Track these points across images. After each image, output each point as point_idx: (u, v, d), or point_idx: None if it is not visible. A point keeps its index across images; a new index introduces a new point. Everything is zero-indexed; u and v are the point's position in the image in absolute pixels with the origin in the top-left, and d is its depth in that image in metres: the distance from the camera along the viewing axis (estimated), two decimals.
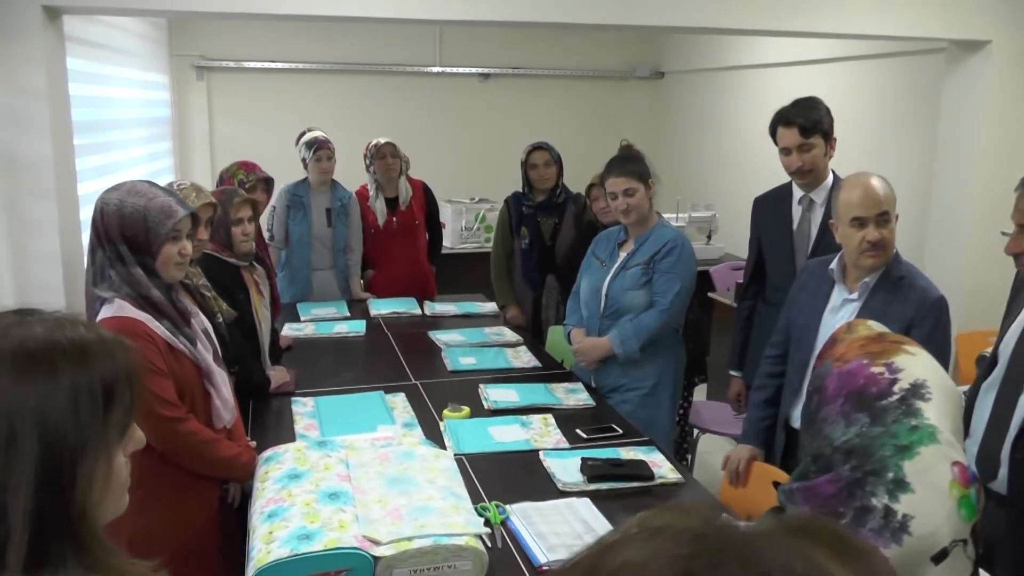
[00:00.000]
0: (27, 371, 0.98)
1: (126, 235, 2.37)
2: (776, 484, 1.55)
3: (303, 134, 4.95)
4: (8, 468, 0.95)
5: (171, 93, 6.77)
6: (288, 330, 4.27)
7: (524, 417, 3.13)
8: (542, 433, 3.00)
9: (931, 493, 1.25)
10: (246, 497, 2.56)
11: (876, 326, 1.43)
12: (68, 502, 0.98)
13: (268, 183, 4.16)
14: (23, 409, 0.97)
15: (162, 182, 2.96)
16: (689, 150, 7.35)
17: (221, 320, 3.00)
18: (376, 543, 2.06)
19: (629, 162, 3.46)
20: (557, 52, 7.51)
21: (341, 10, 3.74)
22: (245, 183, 3.99)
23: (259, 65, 7.08)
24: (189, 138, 7.05)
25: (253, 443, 2.83)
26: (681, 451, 4.36)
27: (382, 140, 4.99)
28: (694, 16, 4.02)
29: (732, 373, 3.70)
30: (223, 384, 2.59)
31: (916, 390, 1.28)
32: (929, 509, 1.24)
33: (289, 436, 2.98)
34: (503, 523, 2.35)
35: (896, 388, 1.28)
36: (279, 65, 7.10)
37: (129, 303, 2.36)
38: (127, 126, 5.34)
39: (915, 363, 1.31)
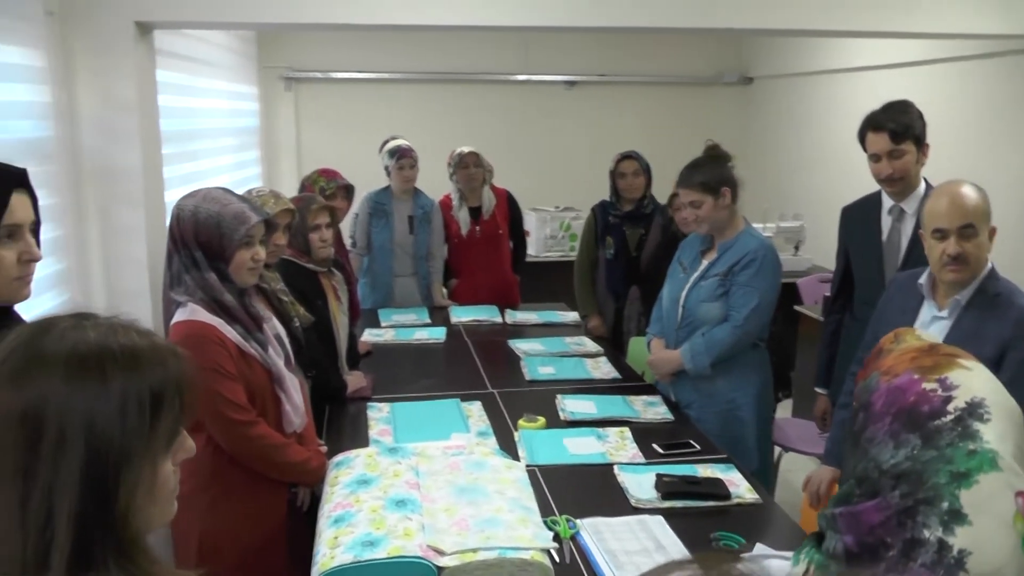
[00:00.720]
0: (78, 375, 0.98)
1: (200, 241, 2.41)
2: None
3: (386, 142, 4.99)
4: (56, 470, 0.95)
5: (259, 104, 6.92)
6: (368, 336, 4.30)
7: (600, 429, 3.07)
8: (618, 447, 2.94)
9: (992, 526, 1.13)
10: (316, 501, 2.57)
11: (926, 336, 1.32)
12: (112, 508, 0.98)
13: (349, 190, 4.20)
14: (73, 412, 0.97)
15: (247, 190, 3.02)
16: (778, 157, 7.19)
17: (298, 325, 3.03)
18: (440, 553, 2.04)
19: (697, 172, 3.35)
20: (643, 58, 7.44)
21: (427, 19, 3.76)
22: (326, 190, 4.04)
23: (346, 75, 7.21)
24: (276, 147, 7.21)
25: (324, 447, 2.84)
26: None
27: (465, 149, 5.00)
28: (783, 18, 3.93)
29: (818, 390, 3.58)
30: (294, 389, 2.60)
31: (973, 409, 1.16)
32: (990, 545, 1.12)
33: (363, 441, 2.99)
34: (573, 538, 2.30)
35: (951, 407, 1.16)
36: (365, 75, 7.21)
37: (203, 307, 2.40)
38: (216, 135, 5.47)
39: (972, 379, 1.19)
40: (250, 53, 6.66)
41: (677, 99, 7.66)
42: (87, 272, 3.48)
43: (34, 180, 3.05)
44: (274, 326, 2.65)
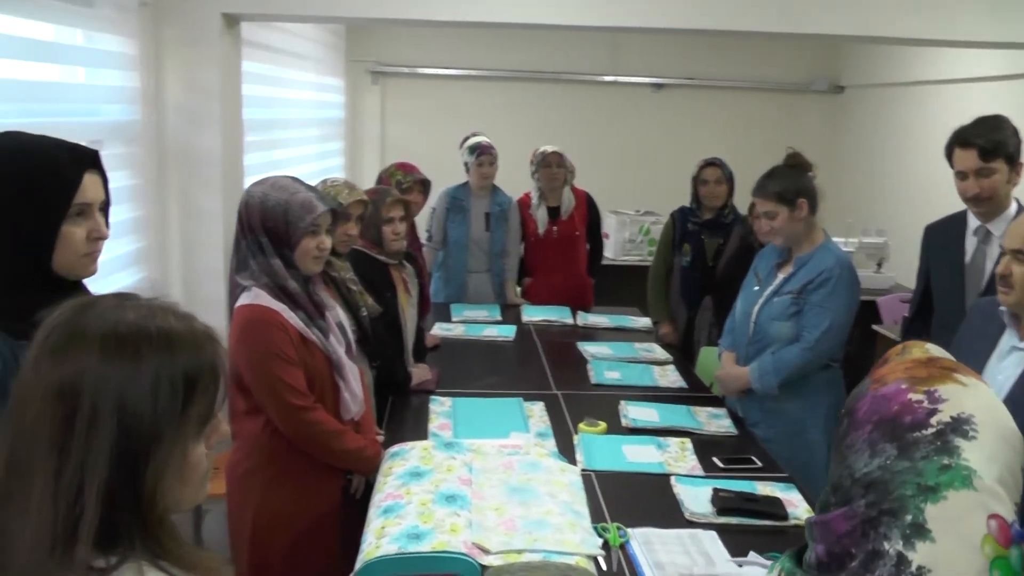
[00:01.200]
0: (114, 354, 1.01)
1: (267, 227, 2.46)
2: None
3: (467, 138, 5.02)
4: (88, 445, 0.98)
5: (345, 96, 7.04)
6: (438, 329, 4.34)
7: (661, 439, 3.04)
8: (677, 457, 2.90)
9: (957, 546, 1.07)
10: (370, 489, 2.60)
11: (935, 350, 1.26)
12: (139, 487, 1.00)
13: (425, 185, 4.23)
14: (106, 390, 0.99)
15: (321, 180, 3.08)
16: (865, 170, 6.99)
17: (365, 314, 3.07)
18: (485, 551, 2.05)
19: (773, 181, 3.26)
20: (732, 63, 7.33)
21: (516, 17, 3.79)
22: (403, 184, 4.07)
23: (432, 71, 7.27)
24: (360, 140, 7.32)
25: (381, 436, 2.87)
26: None
27: (549, 148, 5.00)
28: (878, 25, 3.83)
29: None
30: (353, 377, 2.64)
31: (958, 425, 1.10)
32: (951, 565, 1.07)
33: (422, 434, 3.02)
34: (622, 547, 2.28)
35: (934, 420, 1.11)
36: (452, 71, 7.26)
37: (266, 292, 2.45)
38: (300, 126, 5.58)
39: (964, 395, 1.14)
40: (338, 46, 6.77)
41: (765, 106, 7.52)
42: (165, 252, 3.60)
43: (118, 161, 3.22)
44: (337, 314, 2.69)
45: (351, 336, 2.74)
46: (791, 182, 3.24)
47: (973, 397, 1.14)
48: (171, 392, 1.02)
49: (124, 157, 3.31)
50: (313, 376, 2.52)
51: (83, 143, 1.70)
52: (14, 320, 1.50)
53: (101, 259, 1.71)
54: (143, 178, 3.43)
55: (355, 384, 2.65)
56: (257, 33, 4.43)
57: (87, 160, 1.65)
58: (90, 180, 1.64)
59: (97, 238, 1.66)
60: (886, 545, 1.10)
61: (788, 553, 1.27)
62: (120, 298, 1.09)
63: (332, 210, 2.54)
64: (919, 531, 1.09)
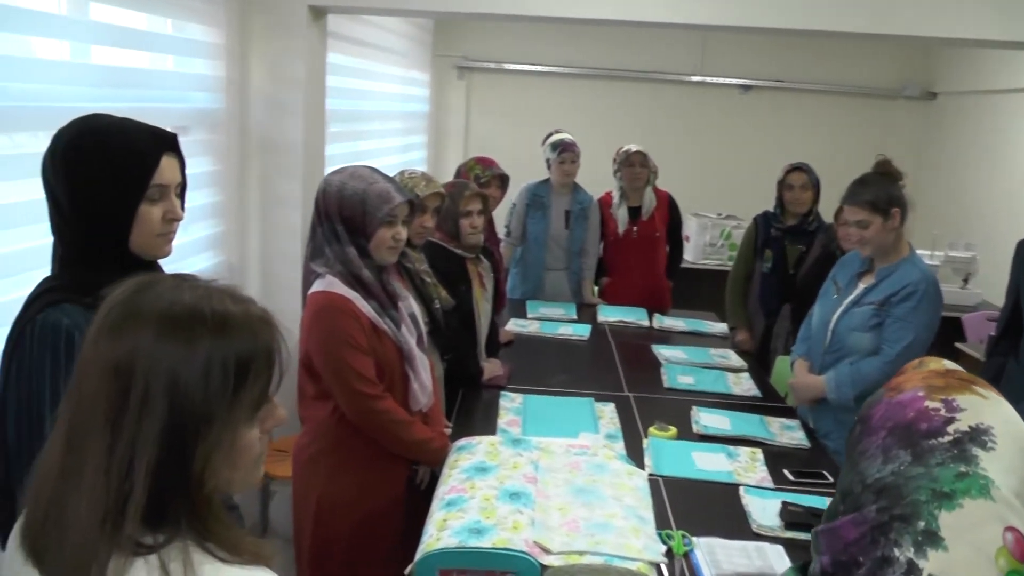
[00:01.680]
0: (168, 334, 1.02)
1: (344, 215, 2.48)
2: None
3: (550, 135, 5.01)
4: (139, 423, 0.99)
5: (431, 90, 7.08)
6: (513, 325, 4.34)
7: (732, 447, 2.99)
8: (747, 467, 2.85)
9: (971, 556, 1.02)
10: (435, 481, 2.61)
11: (951, 364, 1.20)
12: (188, 468, 1.01)
13: (504, 180, 4.24)
14: (158, 369, 1.00)
15: (399, 171, 3.10)
16: (955, 181, 6.75)
17: (439, 307, 3.08)
18: (546, 551, 2.03)
19: (866, 189, 3.15)
20: (822, 65, 7.16)
21: (603, 14, 3.77)
22: (481, 178, 4.09)
23: (518, 67, 7.26)
24: (445, 134, 7.36)
25: (449, 429, 2.88)
26: None
27: (633, 148, 4.96)
28: (974, 27, 3.70)
29: None
30: (423, 368, 2.65)
31: (976, 435, 1.06)
32: (965, 575, 1.03)
33: (491, 429, 3.03)
34: (686, 555, 2.25)
35: (951, 428, 1.07)
36: (538, 68, 7.24)
37: (340, 280, 2.48)
38: (384, 118, 5.64)
39: (984, 407, 1.09)
40: (425, 41, 6.82)
41: (854, 111, 7.31)
42: (244, 237, 3.67)
43: (202, 147, 3.29)
44: (410, 305, 2.70)
45: (423, 327, 2.75)
46: (884, 191, 3.14)
47: (992, 409, 1.10)
48: (223, 375, 1.03)
49: (207, 143, 3.38)
50: (383, 365, 2.53)
51: (167, 128, 1.74)
52: (92, 295, 1.55)
53: (181, 241, 1.77)
54: (225, 164, 3.50)
55: (425, 375, 2.66)
56: (344, 26, 4.49)
57: (166, 143, 1.69)
58: (168, 163, 1.68)
59: (172, 219, 1.70)
60: (896, 552, 1.06)
61: (791, 568, 1.24)
62: (179, 279, 1.10)
63: (409, 202, 2.55)
64: (932, 538, 1.04)
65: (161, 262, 1.78)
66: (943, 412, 1.10)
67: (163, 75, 3.14)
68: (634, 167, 4.92)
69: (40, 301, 1.59)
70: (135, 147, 1.63)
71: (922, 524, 1.05)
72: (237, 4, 3.44)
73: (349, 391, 2.47)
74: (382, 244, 2.51)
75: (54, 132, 1.65)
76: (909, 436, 1.10)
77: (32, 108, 2.38)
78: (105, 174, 1.60)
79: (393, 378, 2.58)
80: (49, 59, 2.55)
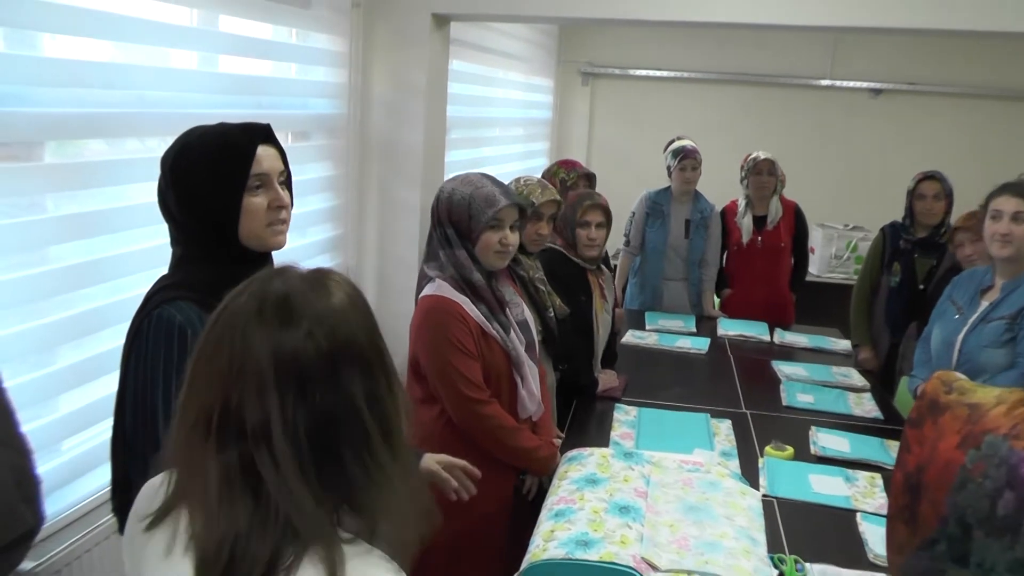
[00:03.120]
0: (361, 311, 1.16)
1: (453, 219, 2.54)
2: None
3: (672, 142, 4.97)
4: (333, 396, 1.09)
5: (554, 96, 7.12)
6: (631, 337, 4.32)
7: (850, 471, 2.90)
8: (866, 493, 2.76)
9: None
10: (543, 491, 2.62)
11: (977, 383, 1.10)
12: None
13: (590, 178, 4.24)
14: (345, 350, 1.11)
15: (515, 178, 3.14)
16: None
17: (552, 315, 3.09)
18: (653, 567, 2.02)
19: None
20: (960, 67, 6.80)
21: (728, 17, 3.72)
22: (567, 181, 4.08)
23: (643, 73, 7.20)
24: (568, 140, 7.37)
25: (559, 440, 2.88)
26: None
27: (761, 155, 4.88)
28: None
29: None
30: (532, 376, 2.67)
31: None
32: None
33: (604, 440, 3.03)
34: None
35: None
36: (662, 73, 7.18)
37: (450, 284, 2.54)
38: (506, 125, 5.69)
39: None
40: (549, 46, 6.87)
41: (995, 116, 6.90)
42: (362, 240, 3.77)
43: (323, 152, 3.40)
44: (522, 312, 2.72)
45: (535, 335, 2.76)
46: None
47: None
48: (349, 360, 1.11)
49: (328, 148, 3.49)
50: (491, 370, 2.56)
51: (288, 132, 1.82)
52: (206, 294, 1.62)
53: (299, 243, 1.83)
54: (345, 169, 3.61)
55: (534, 383, 2.68)
56: (467, 32, 4.55)
57: (259, 134, 1.75)
58: (264, 152, 1.74)
59: (279, 207, 1.76)
60: None
61: None
62: (317, 273, 1.17)
63: (520, 207, 2.57)
64: None
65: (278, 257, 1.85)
66: None
67: (286, 82, 3.25)
68: (761, 175, 4.84)
69: (157, 297, 1.67)
70: (230, 141, 1.71)
71: None
72: (362, 14, 3.53)
73: (456, 395, 2.51)
74: (488, 248, 2.54)
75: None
76: None
77: (161, 114, 2.50)
78: (206, 172, 1.69)
79: (501, 384, 2.61)
80: (180, 68, 2.68)
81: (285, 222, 1.79)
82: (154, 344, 1.62)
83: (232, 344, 1.08)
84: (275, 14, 3.06)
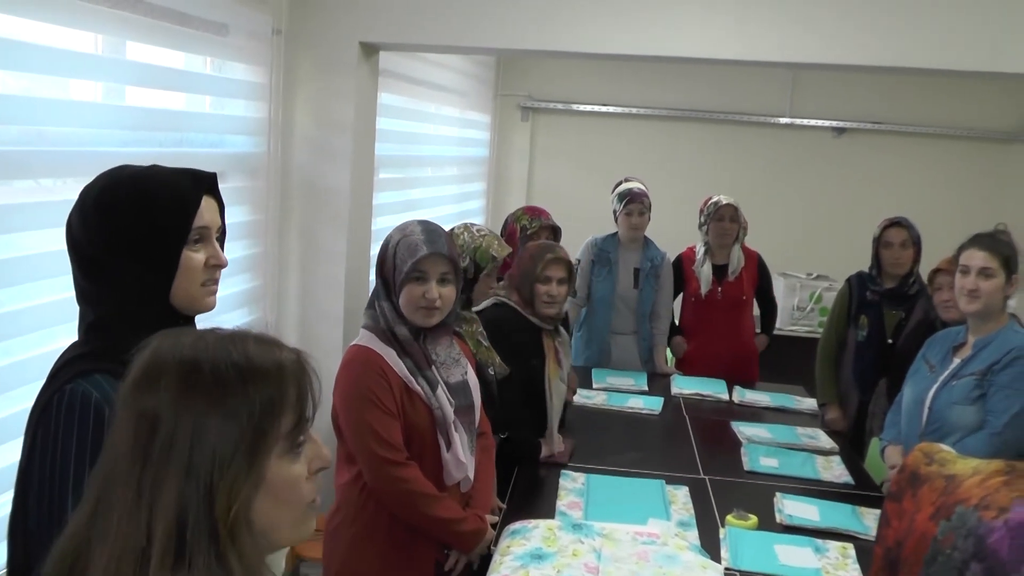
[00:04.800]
0: (191, 386, 1.12)
1: (381, 269, 2.60)
2: None
3: (619, 184, 5.04)
4: (163, 468, 1.09)
5: (491, 133, 7.19)
6: (578, 397, 4.34)
7: (820, 541, 2.95)
8: (837, 564, 2.81)
9: None
10: (472, 572, 2.62)
11: (958, 453, 1.17)
12: (212, 506, 1.09)
13: (555, 231, 4.27)
14: (183, 420, 1.10)
15: (466, 224, 3.17)
16: None
17: (492, 373, 3.11)
18: None
19: (998, 241, 3.24)
20: (926, 105, 7.05)
21: (681, 51, 3.81)
22: (528, 229, 4.11)
23: (588, 108, 7.31)
24: (507, 180, 7.43)
25: (493, 517, 2.86)
26: None
27: (723, 199, 4.97)
28: None
29: None
30: (460, 441, 2.66)
31: None
32: None
33: (549, 511, 3.04)
34: None
35: None
36: (609, 109, 7.30)
37: (377, 336, 2.58)
38: (439, 164, 5.74)
39: None
40: (487, 79, 6.94)
41: (963, 157, 7.16)
42: (284, 291, 3.76)
43: (240, 195, 3.39)
44: (464, 372, 2.73)
45: (476, 399, 2.77)
46: (1013, 250, 3.23)
47: None
48: (248, 417, 1.11)
49: (246, 190, 3.49)
50: (413, 431, 2.57)
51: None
52: (124, 363, 1.59)
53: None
54: (264, 213, 3.60)
55: (463, 449, 2.67)
56: (397, 63, 4.59)
57: (205, 183, 1.74)
58: (207, 204, 1.73)
59: (215, 265, 1.74)
60: None
61: None
62: (205, 330, 1.19)
63: (452, 260, 2.59)
64: None
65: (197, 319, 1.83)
66: None
67: (200, 117, 3.26)
68: (723, 221, 4.93)
69: (68, 369, 1.62)
70: (174, 188, 1.68)
71: None
72: (283, 42, 3.55)
73: (368, 454, 2.51)
74: (410, 303, 2.57)
75: (81, 178, 1.71)
76: None
77: (59, 153, 2.49)
78: (144, 220, 1.65)
79: (424, 446, 2.60)
80: (82, 101, 2.68)
81: (217, 282, 1.78)
82: (65, 424, 1.56)
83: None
84: (188, 41, 3.07)
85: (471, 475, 2.73)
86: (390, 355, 2.55)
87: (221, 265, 1.76)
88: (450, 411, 2.64)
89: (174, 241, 1.67)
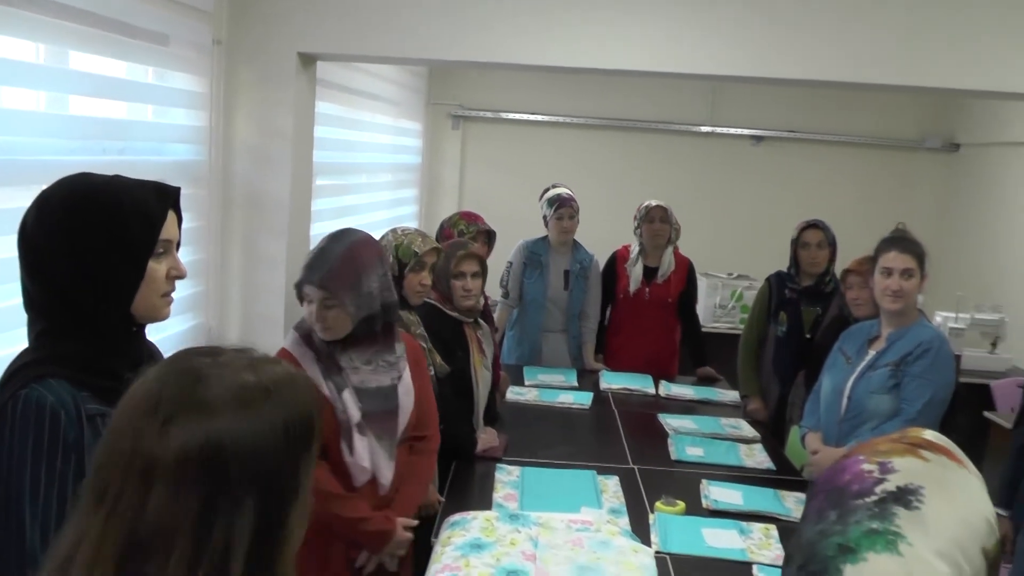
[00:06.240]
0: (243, 414, 1.08)
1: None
2: None
3: (548, 189, 5.09)
4: (235, 511, 1.05)
5: (423, 141, 7.20)
6: (510, 394, 4.38)
7: (744, 523, 3.02)
8: (761, 545, 2.88)
9: None
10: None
11: (933, 435, 1.26)
12: (281, 540, 1.12)
13: (490, 236, 4.30)
14: (245, 451, 1.07)
15: (392, 228, 3.19)
16: (981, 238, 6.77)
17: (433, 374, 3.13)
18: None
19: (914, 243, 3.35)
20: (838, 115, 7.28)
21: (606, 63, 3.85)
22: (465, 234, 4.15)
23: (517, 116, 7.37)
24: (438, 187, 7.45)
25: (408, 521, 2.78)
26: None
27: (654, 202, 5.04)
28: (996, 78, 3.79)
29: (999, 512, 3.40)
30: (364, 446, 2.63)
31: (902, 495, 1.12)
32: None
33: (486, 503, 3.07)
34: None
35: (879, 489, 1.13)
36: (537, 117, 7.35)
37: (301, 337, 2.63)
38: (373, 171, 5.73)
39: (921, 469, 1.15)
40: (419, 88, 6.95)
41: (872, 163, 7.43)
42: (224, 297, 3.73)
43: (183, 203, 3.34)
44: (396, 376, 2.72)
45: (397, 402, 2.74)
46: (923, 251, 3.35)
47: (931, 472, 1.16)
48: (299, 434, 1.12)
49: (187, 198, 3.37)
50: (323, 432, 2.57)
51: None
52: (81, 371, 1.58)
53: None
54: (206, 220, 3.57)
55: (370, 452, 2.65)
56: (333, 73, 4.59)
57: (171, 197, 1.74)
58: (170, 218, 1.72)
59: (176, 276, 1.73)
60: None
61: None
62: (211, 354, 1.15)
63: (326, 288, 2.57)
64: None
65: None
66: (876, 474, 1.16)
67: (142, 126, 3.23)
68: (654, 223, 4.99)
69: (21, 375, 1.57)
70: (142, 202, 1.66)
71: None
72: (224, 52, 3.53)
73: None
74: (309, 317, 2.61)
75: (22, 187, 1.68)
76: (840, 497, 1.16)
77: (4, 161, 2.44)
78: (113, 232, 1.62)
79: (331, 448, 2.59)
80: (20, 109, 2.63)
81: (173, 292, 1.77)
82: (21, 429, 1.51)
83: (117, 417, 1.08)
84: (130, 51, 3.04)
85: (384, 479, 2.69)
86: (305, 356, 2.59)
87: (181, 276, 1.75)
88: (355, 415, 2.61)
89: (143, 253, 1.66)
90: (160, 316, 1.75)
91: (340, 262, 2.57)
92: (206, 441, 1.03)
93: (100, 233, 1.62)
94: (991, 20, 3.76)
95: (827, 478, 1.22)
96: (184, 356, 1.15)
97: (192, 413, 1.05)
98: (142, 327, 1.76)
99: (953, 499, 1.16)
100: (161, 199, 1.70)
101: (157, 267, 1.69)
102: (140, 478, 1.02)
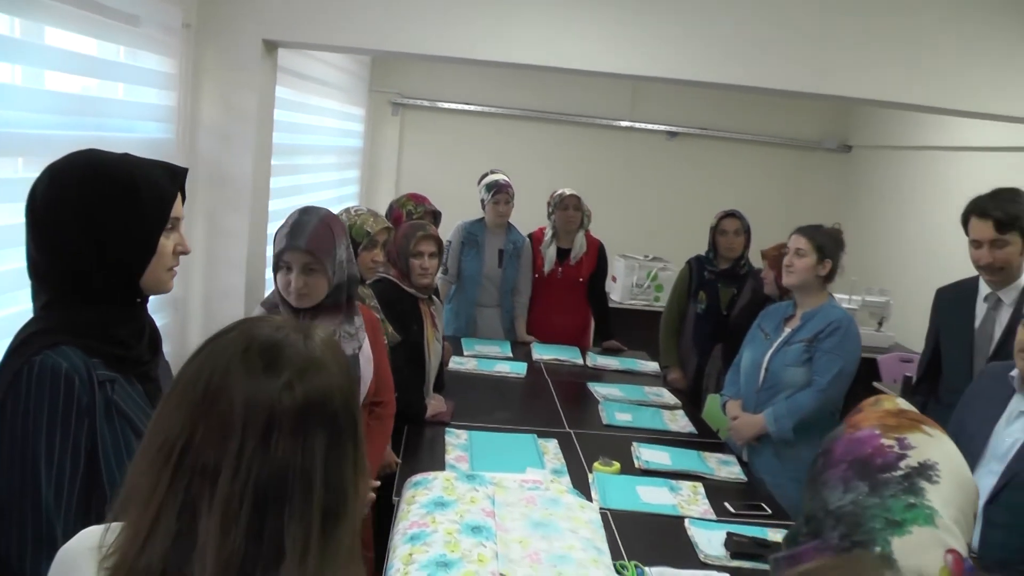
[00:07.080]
0: (347, 370, 1.14)
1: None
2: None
3: (485, 175, 5.09)
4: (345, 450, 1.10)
5: (365, 126, 7.10)
6: (452, 363, 4.36)
7: (674, 481, 3.08)
8: (690, 500, 2.94)
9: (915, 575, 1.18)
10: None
11: (904, 403, 1.36)
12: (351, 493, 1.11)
13: (436, 216, 4.30)
14: (350, 402, 1.13)
15: (345, 208, 3.15)
16: (870, 230, 6.99)
17: (386, 343, 3.10)
18: None
19: (821, 234, 3.46)
20: (746, 116, 7.41)
21: (536, 59, 3.85)
22: (413, 215, 4.13)
23: (452, 106, 7.32)
24: (378, 169, 7.38)
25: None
26: None
27: (567, 191, 5.06)
28: (886, 89, 3.92)
29: None
30: None
31: (923, 470, 1.21)
32: None
33: (439, 464, 3.06)
34: None
35: (903, 464, 1.22)
36: (471, 107, 7.32)
37: (267, 311, 2.61)
38: (320, 152, 5.64)
39: (930, 444, 1.25)
40: (362, 76, 6.85)
41: (776, 160, 7.59)
42: (187, 269, 3.62)
43: None
44: (356, 347, 2.68)
45: (360, 372, 2.71)
46: (832, 241, 3.46)
47: (938, 447, 1.25)
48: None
49: None
50: None
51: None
52: (93, 338, 1.54)
53: None
54: None
55: None
56: (289, 60, 4.50)
57: (180, 177, 1.71)
58: (178, 197, 1.70)
59: (181, 252, 1.71)
60: None
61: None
62: (307, 327, 1.16)
63: (312, 252, 2.51)
64: (886, 561, 1.18)
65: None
66: (896, 449, 1.23)
67: (113, 103, 3.11)
68: (567, 210, 5.02)
69: (33, 342, 1.52)
70: (156, 181, 1.64)
71: (878, 549, 1.18)
72: (193, 35, 3.43)
73: None
74: (281, 289, 2.57)
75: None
76: (866, 469, 1.23)
77: None
78: (130, 209, 1.59)
79: None
80: (2, 83, 2.52)
81: (176, 267, 1.74)
82: (36, 394, 1.46)
83: (210, 379, 1.04)
84: (103, 30, 2.92)
85: None
86: None
87: (186, 252, 1.73)
88: None
89: (156, 229, 1.63)
90: (165, 288, 1.72)
91: (321, 229, 2.53)
92: (323, 391, 1.07)
93: (116, 209, 1.58)
94: (883, 37, 3.88)
95: (847, 449, 1.27)
96: (256, 324, 1.14)
97: (311, 369, 1.07)
98: (146, 299, 1.72)
99: (956, 471, 1.24)
100: (172, 179, 1.68)
101: (166, 243, 1.66)
102: (263, 431, 1.02)
